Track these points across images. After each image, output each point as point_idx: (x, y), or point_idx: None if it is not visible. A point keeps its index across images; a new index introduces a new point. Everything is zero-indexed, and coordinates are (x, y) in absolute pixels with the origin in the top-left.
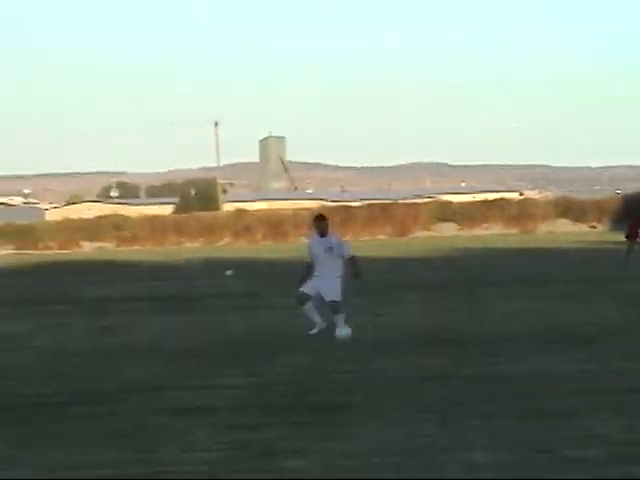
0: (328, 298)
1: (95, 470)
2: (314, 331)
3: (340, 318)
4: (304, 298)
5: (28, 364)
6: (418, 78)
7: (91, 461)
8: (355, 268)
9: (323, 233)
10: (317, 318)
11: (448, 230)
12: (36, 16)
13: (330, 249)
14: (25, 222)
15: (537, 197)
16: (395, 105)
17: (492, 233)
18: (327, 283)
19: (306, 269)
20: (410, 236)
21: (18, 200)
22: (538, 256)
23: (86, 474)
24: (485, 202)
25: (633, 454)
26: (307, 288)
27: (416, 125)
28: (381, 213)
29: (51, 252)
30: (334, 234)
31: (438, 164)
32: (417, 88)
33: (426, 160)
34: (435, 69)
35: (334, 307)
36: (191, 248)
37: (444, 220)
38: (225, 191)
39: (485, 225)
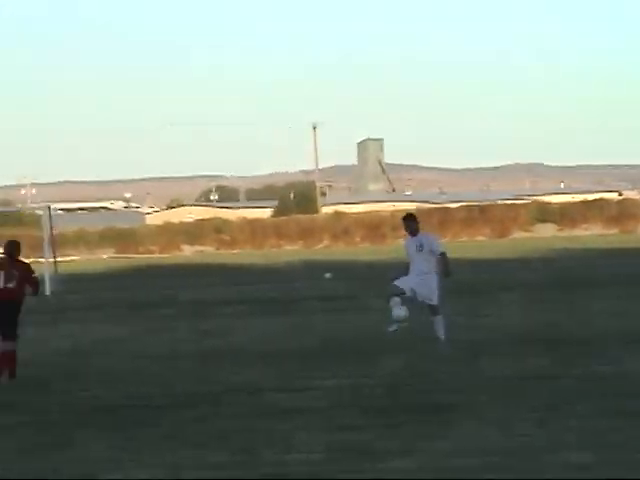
0: (424, 299)
1: (197, 471)
2: (393, 328)
3: (439, 320)
4: (396, 291)
5: (130, 367)
6: (515, 79)
7: (193, 463)
8: (445, 266)
9: (413, 232)
10: (400, 313)
11: (547, 231)
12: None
13: (420, 246)
14: (126, 226)
15: (637, 197)
16: (493, 106)
17: (591, 234)
18: (423, 282)
19: (406, 270)
20: (509, 237)
21: (119, 204)
22: (638, 256)
23: (189, 475)
24: (584, 202)
25: None
26: (401, 282)
27: (514, 125)
28: (480, 214)
29: (152, 256)
30: (426, 233)
31: (536, 165)
32: (515, 90)
33: (524, 161)
34: (526, 68)
35: (433, 309)
36: (290, 251)
37: (543, 221)
38: (324, 194)
39: (584, 226)
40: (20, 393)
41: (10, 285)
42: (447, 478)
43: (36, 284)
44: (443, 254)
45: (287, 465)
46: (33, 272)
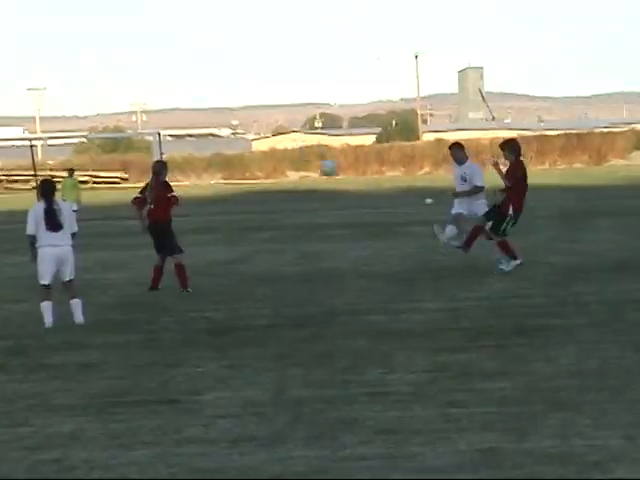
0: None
1: (302, 389)
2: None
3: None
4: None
5: (237, 289)
6: (617, 5)
7: (298, 381)
8: (469, 193)
9: (460, 161)
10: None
11: None
12: None
13: (464, 179)
14: (233, 152)
15: None
16: (589, 34)
17: None
18: (470, 206)
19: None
20: (606, 165)
21: (226, 131)
22: None
23: (294, 392)
24: None
25: None
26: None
27: (613, 53)
28: (577, 142)
29: (258, 181)
30: (472, 163)
31: (635, 93)
32: (614, 17)
33: (623, 89)
34: None
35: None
36: (392, 177)
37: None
38: (425, 121)
39: None
40: (134, 312)
41: (151, 207)
42: (546, 398)
43: (171, 203)
44: (476, 187)
45: (389, 384)
46: (171, 191)
